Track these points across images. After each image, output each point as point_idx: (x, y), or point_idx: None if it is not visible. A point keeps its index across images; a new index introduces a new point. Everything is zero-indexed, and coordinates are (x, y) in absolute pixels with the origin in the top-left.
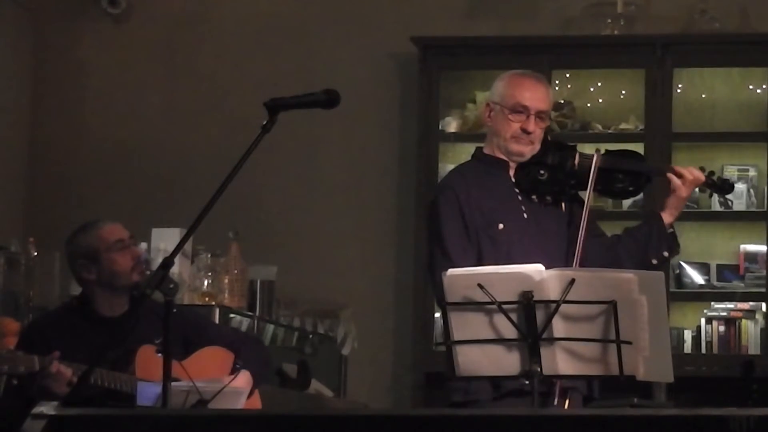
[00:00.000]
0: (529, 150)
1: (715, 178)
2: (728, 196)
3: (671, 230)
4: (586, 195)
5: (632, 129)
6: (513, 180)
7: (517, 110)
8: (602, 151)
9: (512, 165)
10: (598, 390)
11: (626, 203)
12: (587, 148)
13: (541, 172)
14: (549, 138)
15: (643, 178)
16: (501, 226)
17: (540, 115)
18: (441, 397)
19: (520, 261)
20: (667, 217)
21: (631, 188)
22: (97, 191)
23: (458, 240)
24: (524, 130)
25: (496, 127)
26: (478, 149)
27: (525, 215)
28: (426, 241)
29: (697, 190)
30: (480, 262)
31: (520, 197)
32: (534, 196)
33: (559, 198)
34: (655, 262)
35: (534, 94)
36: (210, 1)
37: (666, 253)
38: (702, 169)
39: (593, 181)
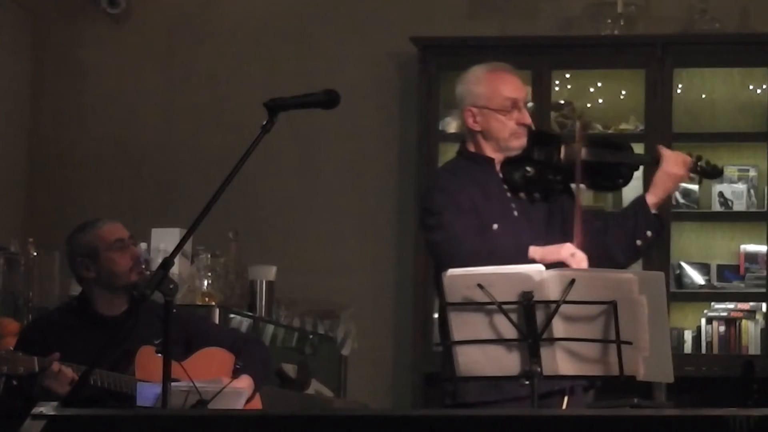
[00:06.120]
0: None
1: (703, 162)
2: (732, 191)
3: (655, 212)
4: (576, 189)
5: (632, 129)
6: (501, 177)
7: (507, 108)
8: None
9: (498, 161)
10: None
11: (626, 199)
12: None
13: (528, 169)
14: (533, 129)
15: (628, 169)
16: (496, 226)
17: (525, 104)
18: (440, 397)
19: (518, 260)
20: (650, 197)
21: (619, 180)
22: (97, 191)
23: (463, 222)
24: (521, 124)
25: (490, 130)
26: (463, 146)
27: (515, 213)
28: (425, 246)
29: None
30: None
31: (509, 194)
32: (522, 194)
33: (548, 194)
34: (639, 243)
35: (515, 85)
36: (210, 1)
37: (649, 233)
38: (690, 155)
39: (579, 177)
